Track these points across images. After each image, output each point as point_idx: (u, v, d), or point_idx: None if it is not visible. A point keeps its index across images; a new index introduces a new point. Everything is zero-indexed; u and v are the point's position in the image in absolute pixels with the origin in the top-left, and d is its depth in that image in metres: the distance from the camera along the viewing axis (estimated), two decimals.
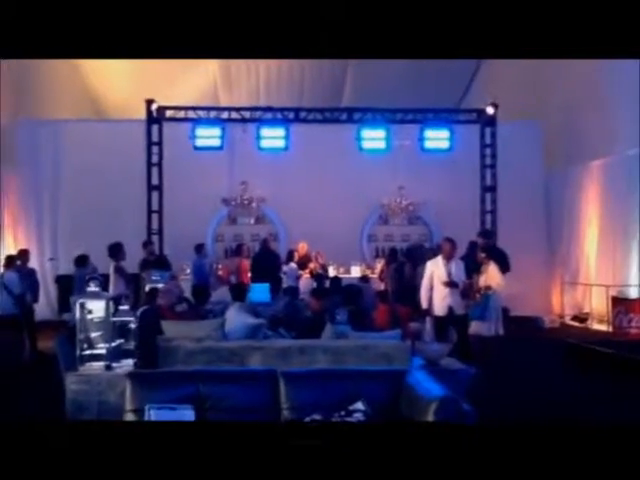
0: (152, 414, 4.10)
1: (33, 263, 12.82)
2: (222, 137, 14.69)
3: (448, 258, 9.79)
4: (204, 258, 13.99)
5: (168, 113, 15.07)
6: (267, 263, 13.20)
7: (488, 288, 9.67)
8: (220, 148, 14.81)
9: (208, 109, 15.38)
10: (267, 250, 13.86)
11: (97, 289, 6.40)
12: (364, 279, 12.48)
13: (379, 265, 14.83)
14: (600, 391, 8.56)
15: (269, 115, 15.05)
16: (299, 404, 4.43)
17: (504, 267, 10.61)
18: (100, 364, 6.09)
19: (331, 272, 14.55)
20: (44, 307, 14.43)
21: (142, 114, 15.02)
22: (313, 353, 6.26)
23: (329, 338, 6.76)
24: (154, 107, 14.85)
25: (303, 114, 15.23)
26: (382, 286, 12.99)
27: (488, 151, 15.39)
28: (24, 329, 10.79)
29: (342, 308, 8.48)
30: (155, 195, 14.98)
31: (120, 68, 18.09)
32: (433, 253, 11.22)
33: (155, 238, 14.68)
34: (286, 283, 13.00)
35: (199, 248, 13.88)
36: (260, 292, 10.65)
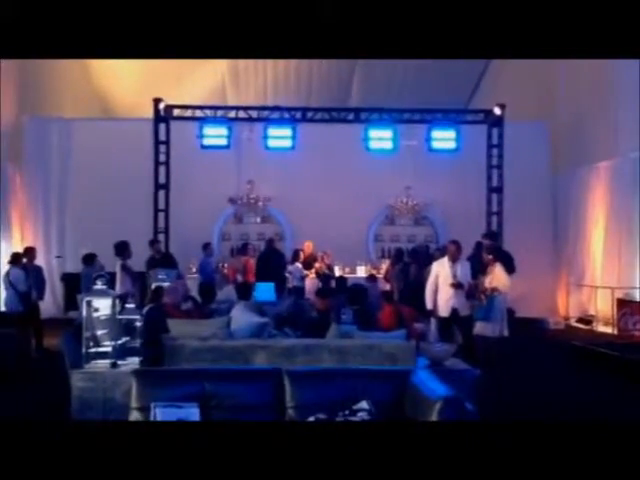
0: (158, 412, 4.12)
1: (40, 261, 12.87)
2: (229, 136, 14.74)
3: (454, 260, 9.81)
4: (210, 257, 14.03)
5: (176, 112, 15.11)
6: (272, 262, 13.24)
7: (494, 289, 9.67)
8: (227, 147, 14.86)
9: (215, 108, 15.41)
10: (272, 249, 13.90)
11: (104, 287, 6.42)
12: (371, 278, 12.47)
13: (384, 265, 14.83)
14: (605, 393, 8.54)
15: (276, 114, 15.07)
16: (304, 403, 4.45)
17: (509, 268, 10.60)
18: (106, 362, 6.10)
19: (337, 272, 14.55)
20: (50, 305, 14.48)
21: (150, 113, 15.07)
22: (318, 352, 6.28)
23: (334, 338, 6.77)
24: (162, 106, 14.89)
25: (310, 114, 15.26)
26: (387, 286, 12.99)
27: (495, 152, 15.36)
28: (30, 326, 10.84)
29: (347, 308, 8.48)
30: (162, 194, 15.03)
31: (128, 67, 18.15)
32: (440, 253, 11.23)
33: (161, 237, 14.72)
34: (291, 283, 13.03)
35: (206, 247, 13.92)
36: (266, 291, 10.69)
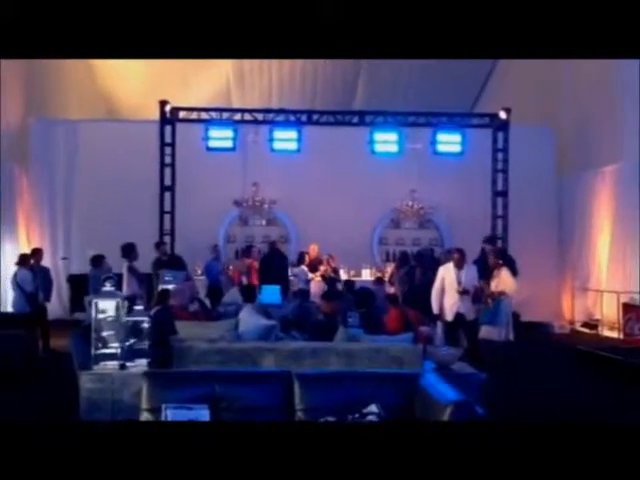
0: (168, 413, 4.14)
1: (45, 262, 12.89)
2: (235, 139, 14.75)
3: (459, 267, 9.84)
4: (217, 259, 14.06)
5: (181, 114, 15.14)
6: (275, 265, 13.25)
7: (501, 293, 9.69)
8: (233, 149, 14.87)
9: (221, 110, 15.44)
10: (275, 251, 13.91)
11: (113, 289, 6.46)
12: (379, 281, 12.48)
13: (389, 268, 14.84)
14: (610, 398, 8.54)
15: (282, 117, 15.10)
16: (313, 406, 4.46)
17: (512, 272, 10.60)
18: (114, 363, 6.14)
19: (342, 275, 14.57)
20: (56, 306, 14.52)
21: (155, 115, 15.10)
22: (325, 355, 6.30)
23: (342, 341, 6.79)
24: (168, 108, 14.92)
25: (316, 116, 15.28)
26: (392, 290, 13.00)
27: (500, 156, 15.36)
28: (37, 327, 10.88)
29: (354, 311, 8.49)
30: (167, 196, 15.06)
31: (134, 69, 18.20)
32: (446, 257, 11.24)
33: (167, 238, 14.75)
34: (297, 285, 13.04)
35: (213, 249, 13.96)
36: (271, 294, 10.69)
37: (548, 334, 14.89)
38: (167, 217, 15.03)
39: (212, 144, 14.78)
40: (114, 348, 6.26)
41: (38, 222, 16.12)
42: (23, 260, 11.43)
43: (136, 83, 19.30)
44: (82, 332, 6.61)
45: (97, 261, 11.94)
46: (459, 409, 3.84)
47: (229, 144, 14.77)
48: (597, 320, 14.92)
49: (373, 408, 4.34)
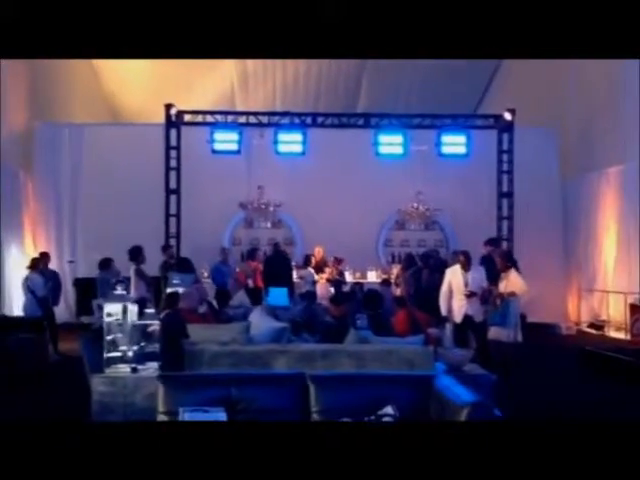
0: (186, 416, 4.15)
1: (52, 266, 12.86)
2: (240, 141, 14.77)
3: (465, 269, 9.85)
4: (224, 262, 14.05)
5: (186, 117, 15.16)
6: (279, 266, 13.26)
7: (510, 294, 9.69)
8: (238, 152, 14.88)
9: (226, 113, 15.46)
10: (279, 253, 13.92)
11: (123, 292, 6.47)
12: (386, 283, 12.48)
13: (395, 270, 14.84)
14: (617, 398, 8.53)
15: (286, 120, 15.11)
16: (328, 407, 4.48)
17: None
18: (126, 366, 6.15)
19: (347, 277, 14.57)
20: (62, 310, 14.49)
21: (160, 118, 15.13)
22: (337, 357, 6.29)
23: (353, 343, 6.79)
24: (173, 111, 14.93)
25: (320, 119, 15.30)
26: (398, 291, 13.00)
27: (505, 157, 15.35)
28: (47, 331, 10.88)
29: (362, 313, 8.50)
30: (173, 199, 15.07)
31: (139, 72, 18.25)
32: (452, 259, 11.24)
33: (173, 241, 14.76)
34: (304, 288, 13.04)
35: (222, 252, 13.99)
36: (279, 296, 10.71)
37: (555, 335, 14.88)
38: (173, 220, 15.04)
39: (217, 147, 14.80)
40: (125, 351, 6.27)
41: (44, 226, 16.09)
42: (34, 264, 11.45)
43: (141, 86, 19.35)
44: (92, 335, 6.64)
45: (105, 264, 11.94)
46: (476, 410, 3.85)
47: (234, 147, 14.79)
48: (603, 321, 14.92)
49: (389, 410, 4.35)
